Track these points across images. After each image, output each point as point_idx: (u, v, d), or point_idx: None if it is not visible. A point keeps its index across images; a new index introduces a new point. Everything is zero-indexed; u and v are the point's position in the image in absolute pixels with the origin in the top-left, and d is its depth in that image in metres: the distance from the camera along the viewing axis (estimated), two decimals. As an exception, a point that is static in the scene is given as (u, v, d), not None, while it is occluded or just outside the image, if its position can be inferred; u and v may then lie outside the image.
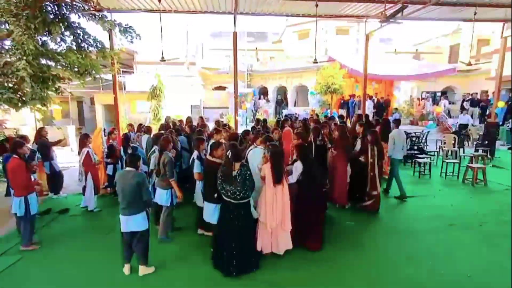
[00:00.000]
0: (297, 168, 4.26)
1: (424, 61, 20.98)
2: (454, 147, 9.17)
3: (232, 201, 3.62)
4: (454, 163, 7.93)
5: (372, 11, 9.41)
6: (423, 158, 8.42)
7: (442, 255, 4.19)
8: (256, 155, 4.36)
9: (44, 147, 6.43)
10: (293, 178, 4.23)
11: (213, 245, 4.01)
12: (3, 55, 5.91)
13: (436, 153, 9.71)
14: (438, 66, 17.70)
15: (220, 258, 3.79)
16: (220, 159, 3.96)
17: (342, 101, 15.56)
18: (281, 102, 18.04)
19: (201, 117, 8.88)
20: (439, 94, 18.65)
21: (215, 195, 3.87)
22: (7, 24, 5.85)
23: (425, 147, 10.30)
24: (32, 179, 4.53)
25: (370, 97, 14.71)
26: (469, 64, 10.43)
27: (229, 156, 3.63)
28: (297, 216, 4.14)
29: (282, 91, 20.89)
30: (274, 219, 3.82)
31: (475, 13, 8.94)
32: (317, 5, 8.33)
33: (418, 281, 3.61)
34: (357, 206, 5.75)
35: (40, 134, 6.57)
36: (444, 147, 9.34)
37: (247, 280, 3.64)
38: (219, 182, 3.66)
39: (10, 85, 6.07)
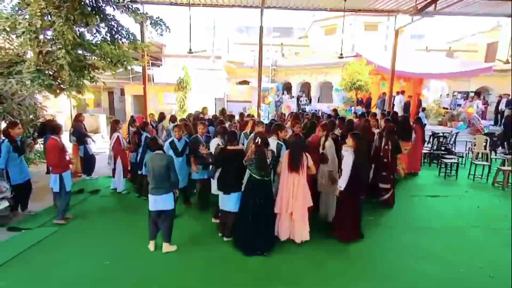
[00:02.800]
0: (348, 158, 4.18)
1: (458, 59, 19.98)
2: (485, 149, 8.77)
3: (265, 178, 3.94)
4: (484, 165, 7.60)
5: (403, 5, 9.14)
6: (450, 158, 8.13)
7: (464, 254, 4.11)
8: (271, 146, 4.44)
9: (80, 131, 6.88)
10: (345, 170, 4.18)
11: (236, 230, 4.17)
12: (46, 44, 6.35)
13: (465, 155, 9.32)
14: (472, 64, 16.80)
15: (246, 241, 3.99)
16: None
17: (359, 99, 15.29)
18: (299, 98, 17.99)
19: (223, 109, 9.06)
20: (471, 94, 17.69)
21: (243, 181, 4.09)
22: (49, 16, 6.28)
23: (453, 148, 9.91)
24: (67, 158, 4.91)
25: (403, 92, 14.36)
26: (507, 62, 9.90)
27: (259, 144, 3.85)
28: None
29: (306, 87, 20.72)
30: (286, 205, 3.99)
31: (516, 8, 8.44)
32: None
33: (435, 277, 3.58)
34: (375, 200, 5.77)
35: (77, 119, 7.03)
36: (474, 148, 8.95)
37: (258, 261, 3.81)
38: (253, 167, 3.88)
39: (51, 72, 6.54)
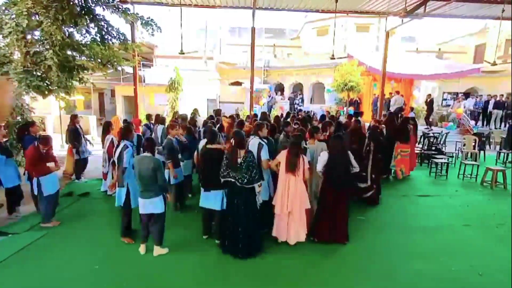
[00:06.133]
0: (323, 157, 4.26)
1: (447, 60, 20.32)
2: (474, 149, 8.91)
3: (236, 183, 3.74)
4: (473, 165, 7.73)
5: (394, 7, 9.25)
6: (441, 158, 8.24)
7: (455, 252, 4.16)
8: (252, 145, 4.29)
9: (74, 133, 6.78)
10: (318, 167, 4.26)
11: (220, 230, 4.13)
12: (34, 44, 6.23)
13: (454, 155, 9.47)
14: (461, 65, 17.11)
15: (227, 241, 3.96)
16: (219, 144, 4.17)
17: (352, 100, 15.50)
18: (293, 101, 18.03)
19: (219, 110, 9.02)
20: (461, 94, 18.03)
21: (222, 181, 3.93)
22: (37, 16, 6.16)
23: (443, 148, 10.06)
24: (52, 164, 4.72)
25: (398, 92, 14.62)
26: (494, 64, 10.09)
27: (233, 143, 3.78)
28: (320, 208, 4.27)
29: (298, 88, 20.80)
30: (282, 205, 3.97)
31: (503, 10, 8.61)
32: (336, 1, 8.27)
33: (428, 276, 3.60)
34: (356, 198, 5.79)
35: (73, 121, 6.91)
36: (464, 148, 9.09)
37: (252, 263, 3.78)
38: (224, 168, 3.80)
39: (39, 73, 6.40)
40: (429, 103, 13.98)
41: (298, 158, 3.96)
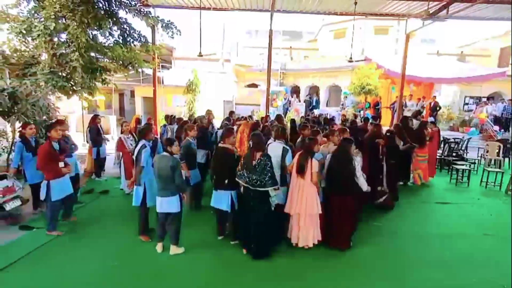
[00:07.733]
0: (326, 160, 4.29)
1: (470, 63, 19.66)
2: (498, 155, 8.56)
3: (249, 187, 3.76)
4: (497, 173, 7.43)
5: (415, 9, 9.05)
6: (462, 164, 7.97)
7: (474, 262, 4.02)
8: (274, 149, 4.30)
9: (94, 133, 7.00)
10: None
11: (234, 229, 4.21)
12: (60, 46, 6.50)
13: (477, 161, 9.13)
14: (484, 69, 16.51)
15: (242, 239, 4.07)
16: (232, 145, 4.18)
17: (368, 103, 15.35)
18: (309, 104, 17.87)
19: (232, 111, 9.09)
20: (484, 99, 17.36)
21: (226, 181, 3.98)
22: (64, 19, 6.43)
23: (465, 154, 9.72)
24: (62, 165, 4.40)
25: (419, 99, 14.67)
26: (521, 67, 9.67)
27: (251, 146, 3.85)
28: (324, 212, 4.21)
29: (314, 90, 20.67)
30: (291, 206, 4.03)
31: (532, 12, 8.25)
32: (356, 3, 8.18)
33: (445, 285, 3.51)
34: (373, 204, 5.70)
35: (94, 121, 7.14)
36: (487, 155, 8.75)
37: (264, 265, 3.80)
38: (240, 167, 3.84)
39: (64, 74, 6.67)
40: (433, 106, 14.15)
41: (307, 161, 3.95)
